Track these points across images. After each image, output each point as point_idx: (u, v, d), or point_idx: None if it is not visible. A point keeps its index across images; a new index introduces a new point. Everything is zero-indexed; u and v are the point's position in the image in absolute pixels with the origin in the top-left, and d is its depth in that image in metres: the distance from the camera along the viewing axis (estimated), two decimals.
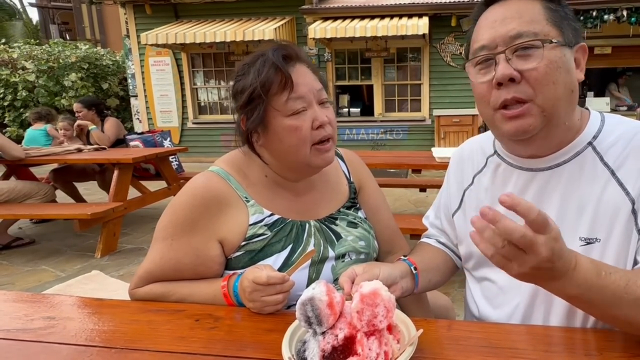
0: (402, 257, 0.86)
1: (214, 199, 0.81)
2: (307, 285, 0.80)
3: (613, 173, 0.68)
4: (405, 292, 0.79)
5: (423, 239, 1.00)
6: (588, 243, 0.68)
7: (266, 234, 0.82)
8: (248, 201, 0.83)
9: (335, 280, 0.85)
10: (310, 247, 0.84)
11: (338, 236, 0.88)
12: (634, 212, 0.66)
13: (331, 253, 0.85)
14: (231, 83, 0.85)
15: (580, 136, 0.71)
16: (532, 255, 0.51)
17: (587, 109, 0.75)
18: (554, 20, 0.66)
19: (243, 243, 0.82)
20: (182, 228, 0.80)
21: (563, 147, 0.72)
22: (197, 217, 0.80)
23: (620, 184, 0.67)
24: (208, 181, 0.83)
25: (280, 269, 0.80)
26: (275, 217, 0.84)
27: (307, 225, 0.86)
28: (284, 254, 0.82)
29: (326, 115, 0.80)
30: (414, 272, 0.82)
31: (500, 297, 0.78)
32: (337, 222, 0.90)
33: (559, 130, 0.70)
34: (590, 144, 0.71)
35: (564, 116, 0.69)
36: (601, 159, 0.69)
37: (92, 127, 3.94)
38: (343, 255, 0.86)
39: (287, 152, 0.81)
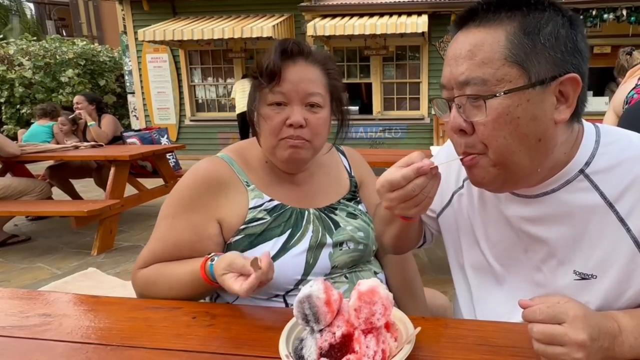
0: None
1: (214, 180, 0.84)
2: (305, 270, 0.82)
3: (611, 205, 0.61)
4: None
5: None
6: (583, 278, 0.64)
7: (265, 219, 0.84)
8: (249, 185, 0.86)
9: (333, 268, 0.86)
10: (309, 234, 0.85)
11: (337, 225, 0.89)
12: None
13: (329, 240, 0.86)
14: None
15: (570, 164, 0.63)
16: (573, 348, 0.51)
17: (581, 123, 0.66)
18: (516, 57, 0.56)
19: (242, 227, 0.83)
20: (183, 206, 0.83)
21: (550, 178, 0.64)
22: (197, 196, 0.83)
23: (620, 219, 0.61)
24: (211, 164, 0.87)
25: (278, 253, 0.82)
26: (275, 202, 0.86)
27: (307, 212, 0.88)
28: (283, 238, 0.83)
29: (305, 118, 0.81)
30: None
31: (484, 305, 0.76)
32: (337, 212, 0.92)
33: (532, 177, 0.63)
34: (582, 171, 0.63)
35: (529, 167, 0.60)
36: (596, 188, 0.62)
37: (91, 123, 3.93)
38: (341, 244, 0.87)
39: (262, 137, 0.85)
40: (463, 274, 0.82)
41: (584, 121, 0.67)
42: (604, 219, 0.62)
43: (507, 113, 0.57)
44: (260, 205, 0.85)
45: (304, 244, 0.84)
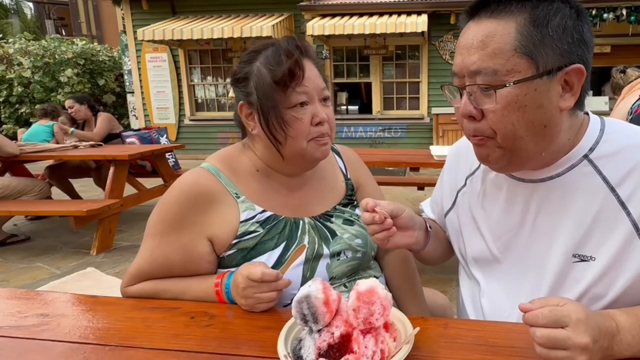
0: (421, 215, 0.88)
1: (202, 195, 0.80)
2: (302, 284, 0.79)
3: (613, 189, 0.64)
4: (417, 242, 0.79)
5: (424, 215, 1.00)
6: (582, 260, 0.66)
7: (258, 231, 0.81)
8: (238, 197, 0.82)
9: (331, 279, 0.84)
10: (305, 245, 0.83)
11: (333, 234, 0.86)
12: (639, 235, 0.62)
13: (326, 251, 0.84)
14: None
15: (575, 149, 0.66)
16: (576, 351, 0.51)
17: (586, 113, 0.70)
18: (525, 48, 0.59)
19: (235, 241, 0.80)
20: (170, 224, 0.79)
21: (555, 162, 0.67)
22: (185, 214, 0.79)
23: (621, 202, 0.63)
24: (197, 177, 0.81)
25: (273, 267, 0.79)
26: (268, 213, 0.82)
27: (301, 222, 0.85)
28: (277, 251, 0.80)
29: (326, 113, 0.80)
30: (429, 230, 0.83)
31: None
32: (333, 219, 0.89)
33: (537, 160, 0.66)
34: (586, 156, 0.66)
35: (534, 151, 0.64)
36: (599, 172, 0.65)
37: (70, 129, 3.96)
38: (338, 254, 0.85)
39: (289, 142, 0.79)
40: (468, 268, 0.83)
41: (590, 113, 0.70)
42: (605, 202, 0.64)
43: (516, 101, 0.60)
44: (253, 218, 0.80)
45: (300, 256, 0.81)
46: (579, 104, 0.65)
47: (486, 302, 0.77)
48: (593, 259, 0.65)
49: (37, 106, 4.62)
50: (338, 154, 0.99)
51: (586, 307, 0.55)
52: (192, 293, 0.80)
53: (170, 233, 0.79)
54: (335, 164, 0.97)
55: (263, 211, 0.82)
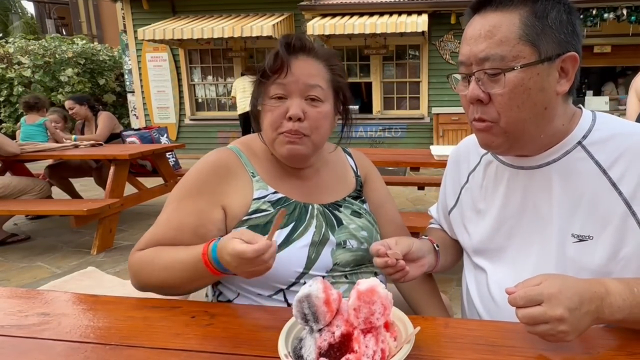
0: (423, 237, 0.91)
1: (222, 168, 0.86)
2: (307, 265, 0.82)
3: (605, 172, 0.69)
4: (428, 268, 0.84)
5: (432, 225, 1.05)
6: (581, 240, 0.70)
7: (269, 211, 0.84)
8: (254, 176, 0.87)
9: (334, 266, 0.85)
10: (312, 229, 0.85)
11: (340, 222, 0.89)
12: (633, 214, 0.67)
13: (332, 237, 0.86)
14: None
15: (569, 136, 0.72)
16: (555, 323, 0.55)
17: (580, 107, 0.76)
18: (529, 37, 0.65)
19: (245, 217, 0.83)
20: (189, 190, 0.85)
21: (551, 148, 0.73)
22: (204, 181, 0.85)
23: (613, 184, 0.68)
24: (219, 152, 0.89)
25: (281, 245, 0.80)
26: (279, 195, 0.86)
27: (311, 207, 0.88)
28: (286, 230, 0.83)
29: (304, 111, 0.81)
30: (437, 249, 0.87)
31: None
32: (342, 209, 0.91)
33: (536, 142, 0.72)
34: (579, 143, 0.72)
35: (534, 133, 0.70)
36: (591, 157, 0.70)
37: (73, 136, 4.01)
38: (344, 242, 0.87)
39: (263, 131, 0.87)
40: (473, 260, 0.86)
41: (582, 107, 0.77)
42: (599, 184, 0.69)
43: (522, 85, 0.66)
44: (265, 197, 0.85)
45: (307, 238, 0.83)
46: (571, 92, 0.71)
47: (495, 287, 0.79)
48: (591, 238, 0.69)
49: (22, 100, 4.20)
50: (350, 155, 1.03)
51: (566, 279, 0.59)
52: (181, 264, 0.76)
53: (188, 197, 0.84)
54: (346, 162, 1.01)
55: (275, 192, 0.86)
